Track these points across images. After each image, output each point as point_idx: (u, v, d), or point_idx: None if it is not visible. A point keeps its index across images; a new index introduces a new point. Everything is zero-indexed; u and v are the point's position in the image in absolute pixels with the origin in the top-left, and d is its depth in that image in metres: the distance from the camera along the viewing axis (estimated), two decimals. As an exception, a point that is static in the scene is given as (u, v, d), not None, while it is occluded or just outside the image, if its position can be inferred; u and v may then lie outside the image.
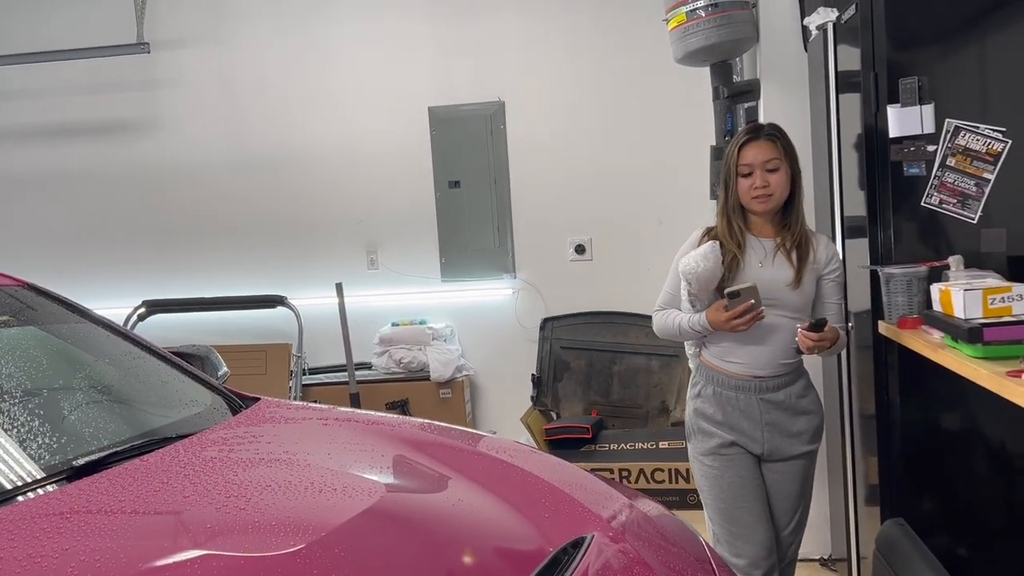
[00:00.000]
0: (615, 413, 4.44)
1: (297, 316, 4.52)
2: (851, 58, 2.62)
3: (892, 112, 2.38)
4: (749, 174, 2.29)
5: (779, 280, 2.29)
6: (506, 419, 4.46)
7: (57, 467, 1.58)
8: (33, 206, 5.02)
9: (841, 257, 2.46)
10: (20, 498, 1.46)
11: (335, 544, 1.33)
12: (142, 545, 1.33)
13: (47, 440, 1.68)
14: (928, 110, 2.35)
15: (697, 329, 2.31)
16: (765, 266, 2.31)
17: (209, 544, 1.32)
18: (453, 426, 2.17)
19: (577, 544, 1.50)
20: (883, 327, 2.40)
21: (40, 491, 1.49)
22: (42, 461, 1.60)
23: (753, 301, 2.19)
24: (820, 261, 2.34)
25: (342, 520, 1.42)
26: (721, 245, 2.28)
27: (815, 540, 3.15)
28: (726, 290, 2.22)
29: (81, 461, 1.59)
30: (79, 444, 1.72)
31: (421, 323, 4.65)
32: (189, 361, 2.28)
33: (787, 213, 2.33)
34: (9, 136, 5.01)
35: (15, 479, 1.52)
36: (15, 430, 1.68)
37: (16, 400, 1.81)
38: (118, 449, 1.67)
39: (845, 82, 2.72)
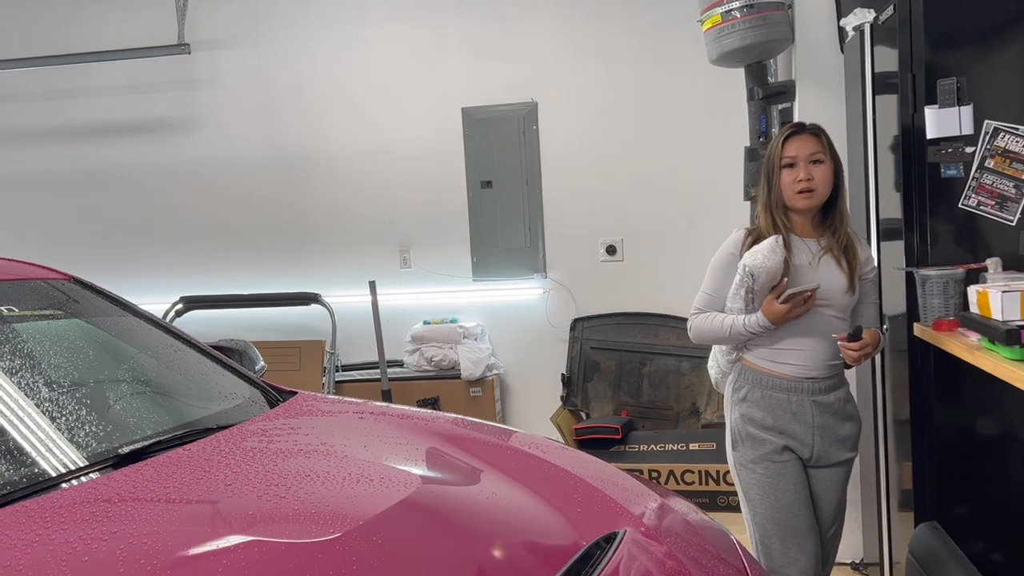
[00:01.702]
0: (645, 414, 4.44)
1: (331, 313, 4.58)
2: (888, 59, 2.60)
3: (930, 113, 2.37)
4: (792, 166, 2.25)
5: (833, 284, 2.26)
6: (536, 418, 4.48)
7: (103, 455, 1.62)
8: (74, 203, 5.14)
9: (876, 259, 2.45)
10: (70, 484, 1.50)
11: (373, 533, 1.36)
12: (187, 530, 1.37)
13: (93, 429, 1.73)
14: (967, 111, 2.33)
15: (754, 330, 2.25)
16: (814, 267, 2.27)
17: (251, 530, 1.35)
18: (485, 422, 2.19)
19: (610, 539, 1.52)
20: (918, 329, 2.38)
21: (87, 478, 1.54)
22: (89, 449, 1.65)
23: (808, 292, 2.18)
24: (859, 265, 2.31)
25: (379, 510, 1.45)
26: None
27: (847, 544, 3.13)
28: (789, 291, 2.19)
29: (126, 449, 1.63)
30: (124, 433, 1.76)
31: (452, 322, 4.68)
32: (228, 355, 2.33)
33: (828, 214, 2.29)
34: (52, 135, 5.14)
35: (63, 466, 1.56)
36: (63, 418, 1.73)
37: (64, 390, 1.86)
38: (161, 438, 1.71)
39: (882, 83, 2.70)
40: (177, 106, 5.00)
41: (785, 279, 2.23)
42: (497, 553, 1.47)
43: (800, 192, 2.24)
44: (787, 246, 2.26)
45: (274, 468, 1.65)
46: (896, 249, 2.56)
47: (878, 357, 2.80)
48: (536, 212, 4.68)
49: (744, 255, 2.27)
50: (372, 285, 4.56)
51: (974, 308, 2.15)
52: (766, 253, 2.22)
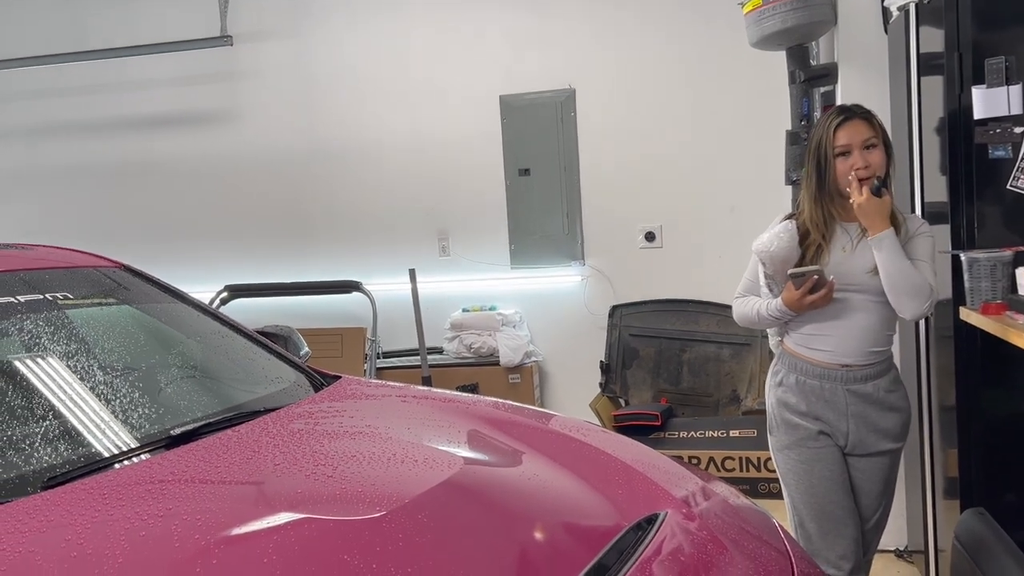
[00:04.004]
0: (684, 401, 4.43)
1: (372, 301, 4.63)
2: (934, 39, 2.56)
3: (977, 93, 2.32)
4: (846, 154, 2.18)
5: (860, 266, 2.20)
6: (574, 405, 4.49)
7: (156, 436, 1.67)
8: (120, 194, 5.25)
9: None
10: (125, 463, 1.55)
11: (418, 511, 1.39)
12: (239, 507, 1.41)
13: (146, 411, 1.78)
14: (1016, 91, 2.28)
15: (775, 315, 2.24)
16: (849, 252, 2.22)
17: (300, 508, 1.38)
18: (526, 405, 2.21)
19: (651, 520, 1.53)
20: (964, 313, 2.35)
21: (141, 457, 1.58)
22: (142, 430, 1.70)
23: (817, 278, 2.14)
24: (905, 235, 2.22)
25: (423, 489, 1.47)
26: (807, 233, 2.21)
27: (891, 531, 3.08)
28: (789, 272, 2.17)
29: (178, 431, 1.68)
30: (175, 415, 1.81)
31: (491, 309, 4.71)
32: (273, 340, 2.37)
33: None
34: (99, 128, 5.25)
35: (117, 447, 1.61)
36: (117, 401, 1.78)
37: (117, 374, 1.92)
38: (211, 420, 1.76)
39: (927, 64, 2.65)
40: (220, 98, 5.08)
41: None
42: (539, 533, 1.49)
43: (859, 180, 2.16)
44: (826, 238, 2.21)
45: (321, 449, 1.69)
46: (942, 233, 2.52)
47: (923, 345, 2.76)
48: (574, 199, 4.67)
49: (754, 241, 2.26)
50: (412, 273, 4.60)
51: (1023, 291, 2.11)
52: (772, 239, 2.19)
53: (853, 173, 2.17)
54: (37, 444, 1.54)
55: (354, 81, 4.89)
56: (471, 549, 1.35)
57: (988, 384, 2.39)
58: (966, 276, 2.30)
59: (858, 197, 2.14)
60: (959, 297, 2.40)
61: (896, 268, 2.14)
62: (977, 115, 2.33)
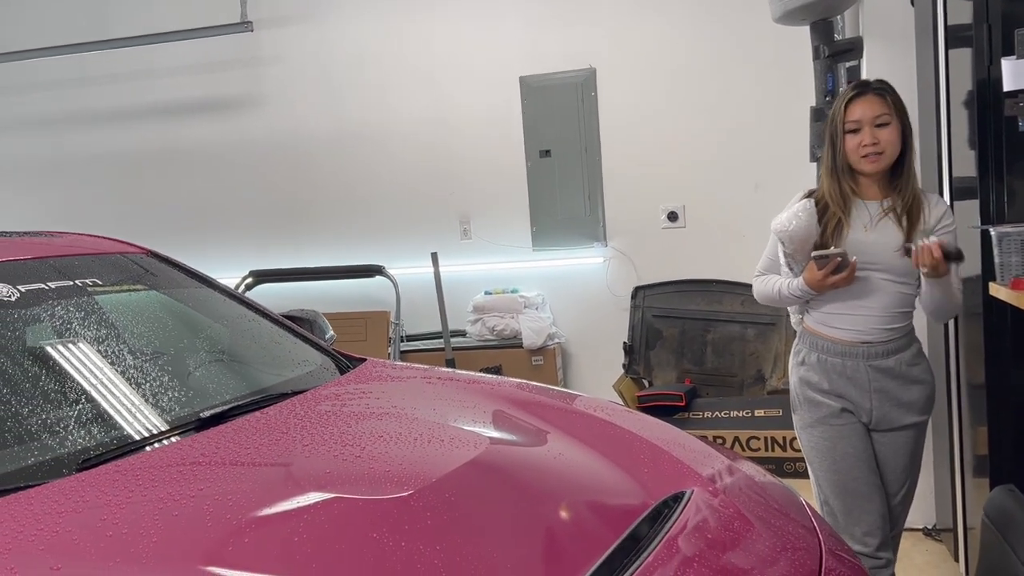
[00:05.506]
0: (709, 382, 4.41)
1: (395, 285, 4.65)
2: (962, 11, 2.51)
3: (1007, 64, 2.27)
4: (857, 131, 2.17)
5: (884, 244, 2.18)
6: (598, 386, 4.48)
7: (185, 419, 1.69)
8: (145, 181, 5.31)
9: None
10: (157, 445, 1.57)
11: (445, 490, 1.40)
12: (269, 488, 1.43)
13: (175, 394, 1.80)
14: (1047, 62, 2.23)
15: (796, 294, 2.24)
16: (869, 230, 2.20)
17: (329, 488, 1.40)
18: (550, 386, 2.22)
19: (677, 498, 1.53)
20: (994, 288, 2.31)
21: (172, 440, 1.61)
22: (172, 413, 1.72)
23: (841, 260, 2.12)
24: (931, 221, 2.21)
25: (450, 469, 1.49)
26: (826, 208, 2.20)
27: (919, 509, 3.08)
28: (813, 254, 2.15)
29: (207, 414, 1.70)
30: (204, 398, 1.84)
31: (513, 292, 4.71)
32: (298, 324, 2.39)
33: (896, 174, 2.21)
34: (122, 117, 5.30)
35: (148, 430, 1.64)
36: (147, 385, 1.81)
37: (146, 358, 1.95)
38: (240, 403, 1.78)
39: (955, 36, 2.61)
40: (242, 84, 5.10)
41: (833, 247, 2.17)
42: (566, 512, 1.50)
43: (865, 156, 2.16)
44: (845, 211, 2.19)
45: (348, 430, 1.70)
46: (971, 208, 2.49)
47: (951, 322, 2.73)
48: (595, 180, 4.65)
49: (774, 219, 2.24)
50: (434, 256, 4.62)
51: (1054, 266, 2.07)
52: (790, 218, 2.18)
53: (862, 149, 2.15)
54: (71, 427, 1.57)
55: (374, 65, 4.89)
56: (499, 526, 1.36)
57: (1018, 360, 2.36)
58: (996, 251, 2.26)
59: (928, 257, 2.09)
60: (988, 274, 2.37)
61: (945, 296, 2.20)
62: (1007, 87, 2.29)
